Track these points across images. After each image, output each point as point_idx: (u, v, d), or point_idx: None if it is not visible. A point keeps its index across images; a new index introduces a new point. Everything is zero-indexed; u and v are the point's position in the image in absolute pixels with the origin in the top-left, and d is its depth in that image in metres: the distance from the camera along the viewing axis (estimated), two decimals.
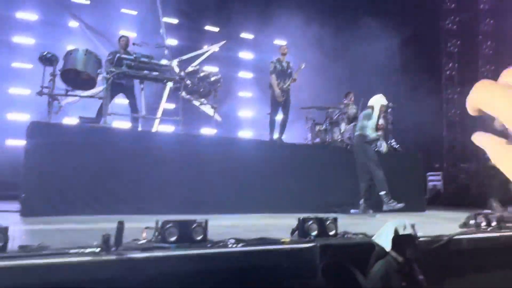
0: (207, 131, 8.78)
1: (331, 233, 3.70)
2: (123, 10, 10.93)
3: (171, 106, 9.82)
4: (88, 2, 10.48)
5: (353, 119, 8.62)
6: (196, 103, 8.15)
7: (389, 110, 8.70)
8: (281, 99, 7.92)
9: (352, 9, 11.37)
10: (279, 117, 8.13)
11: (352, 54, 11.70)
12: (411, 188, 8.08)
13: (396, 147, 8.68)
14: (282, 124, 8.10)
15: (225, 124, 9.92)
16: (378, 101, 6.68)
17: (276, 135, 8.05)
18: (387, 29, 12.73)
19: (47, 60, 6.13)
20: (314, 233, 3.59)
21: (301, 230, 3.60)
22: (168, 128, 9.48)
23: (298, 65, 8.32)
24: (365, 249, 3.38)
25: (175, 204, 5.86)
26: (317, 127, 8.70)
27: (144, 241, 3.05)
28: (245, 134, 11.18)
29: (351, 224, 4.85)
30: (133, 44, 7.46)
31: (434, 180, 11.79)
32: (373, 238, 3.32)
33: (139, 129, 7.26)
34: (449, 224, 5.16)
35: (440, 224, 5.62)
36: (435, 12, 13.14)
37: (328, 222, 3.70)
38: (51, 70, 6.16)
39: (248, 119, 11.99)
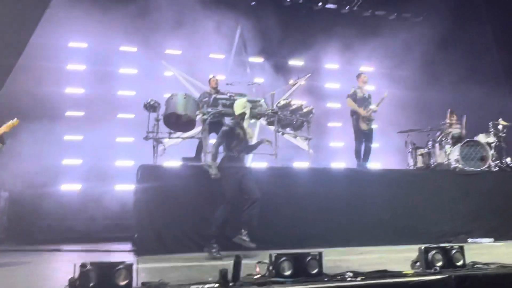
0: (300, 164, 8.70)
1: (459, 263, 3.34)
2: (212, 55, 11.52)
3: None
4: (180, 52, 11.20)
5: (458, 139, 8.00)
6: (289, 136, 8.12)
7: (501, 126, 7.94)
8: (365, 126, 7.68)
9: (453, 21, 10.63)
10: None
11: (453, 69, 10.97)
12: None
13: None
14: (367, 152, 7.79)
15: (318, 155, 9.73)
16: (238, 106, 5.55)
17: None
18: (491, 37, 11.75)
19: (151, 107, 6.57)
20: (439, 264, 3.26)
21: (424, 261, 3.28)
22: (261, 164, 9.55)
23: (382, 95, 8.03)
24: (505, 280, 2.98)
25: (275, 238, 5.75)
26: (419, 151, 8.15)
27: (258, 275, 2.98)
28: (338, 165, 10.85)
29: (474, 253, 4.36)
30: (227, 84, 7.75)
31: None
32: None
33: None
34: None
35: None
36: None
37: (454, 252, 3.35)
38: (155, 116, 6.57)
39: (340, 149, 11.69)
